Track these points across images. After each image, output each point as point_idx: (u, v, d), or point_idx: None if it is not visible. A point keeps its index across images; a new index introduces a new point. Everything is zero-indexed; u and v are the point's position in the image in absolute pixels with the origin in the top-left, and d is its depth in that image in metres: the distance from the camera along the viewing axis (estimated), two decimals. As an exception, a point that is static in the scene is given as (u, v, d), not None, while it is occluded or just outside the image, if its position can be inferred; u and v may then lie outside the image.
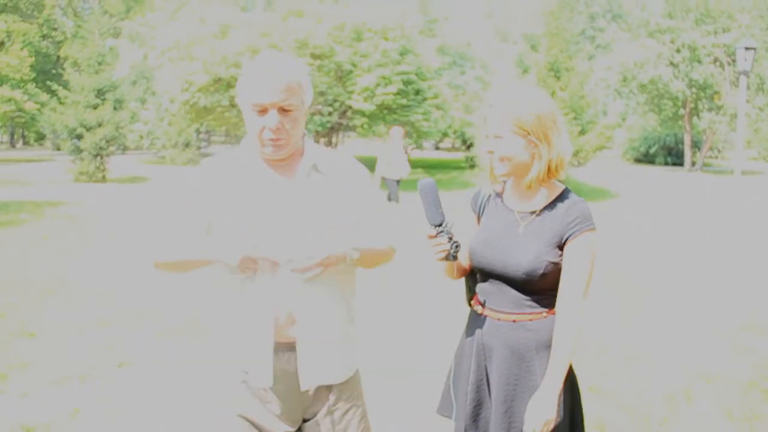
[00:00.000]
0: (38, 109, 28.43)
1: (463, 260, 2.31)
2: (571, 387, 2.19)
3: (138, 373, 4.74)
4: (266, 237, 2.09)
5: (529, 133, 2.06)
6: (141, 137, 32.67)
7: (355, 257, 2.14)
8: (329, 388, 2.26)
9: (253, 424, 2.24)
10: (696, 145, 29.79)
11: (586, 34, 33.36)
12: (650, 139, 32.62)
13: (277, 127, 2.04)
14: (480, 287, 2.28)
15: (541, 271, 2.08)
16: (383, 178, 12.36)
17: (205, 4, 22.57)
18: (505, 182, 2.25)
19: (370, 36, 19.95)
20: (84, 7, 40.05)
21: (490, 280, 2.21)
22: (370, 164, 10.37)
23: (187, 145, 30.88)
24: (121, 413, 4.09)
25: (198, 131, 33.77)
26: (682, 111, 27.63)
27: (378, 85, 19.54)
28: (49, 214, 13.18)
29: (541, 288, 2.13)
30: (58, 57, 33.13)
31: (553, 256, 2.09)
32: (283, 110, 2.05)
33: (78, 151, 20.76)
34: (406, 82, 19.90)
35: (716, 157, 35.57)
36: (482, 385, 2.25)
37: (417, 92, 20.79)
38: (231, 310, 2.21)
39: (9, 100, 29.19)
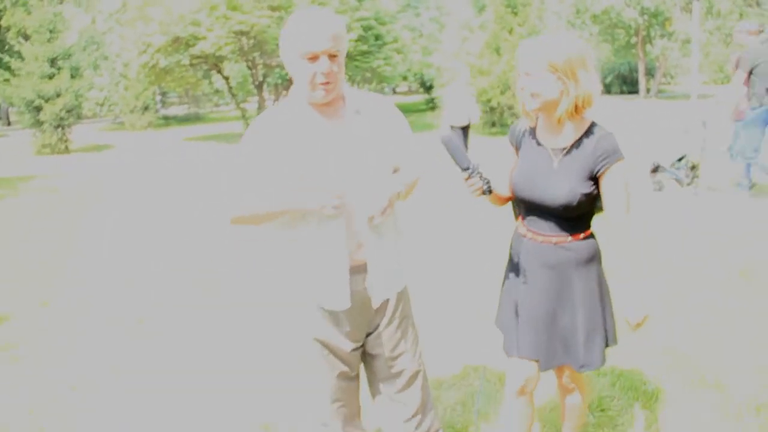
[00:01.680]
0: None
1: (503, 191, 2.62)
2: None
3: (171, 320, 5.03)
4: (334, 179, 2.35)
5: (557, 71, 2.29)
6: (98, 104, 31.97)
7: (403, 192, 2.50)
8: (387, 301, 2.60)
9: (326, 345, 2.57)
10: (650, 73, 30.34)
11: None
12: (605, 70, 33.09)
13: (329, 71, 2.29)
14: (524, 213, 2.61)
15: (576, 202, 2.38)
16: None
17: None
18: (537, 118, 2.53)
19: (327, -17, 19.78)
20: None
21: (532, 207, 2.53)
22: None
23: (146, 108, 30.27)
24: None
25: (154, 93, 33.12)
26: (634, 39, 28.03)
27: (338, 33, 19.45)
28: (25, 188, 13.11)
29: (577, 214, 2.45)
30: (0, 26, 31.82)
31: (585, 188, 2.38)
32: (331, 56, 2.29)
33: (38, 123, 20.37)
34: (366, 28, 19.85)
35: (669, 84, 36.33)
36: (522, 299, 2.59)
37: (377, 37, 20.76)
38: (306, 245, 2.46)
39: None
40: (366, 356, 2.71)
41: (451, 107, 2.41)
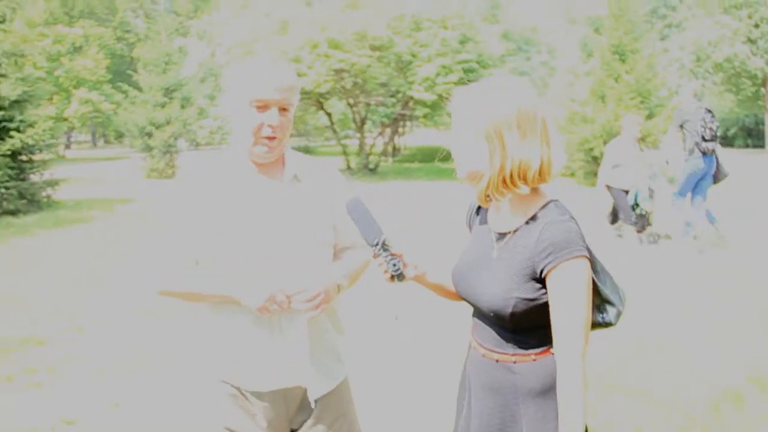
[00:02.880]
0: (113, 110, 29.54)
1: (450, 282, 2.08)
2: None
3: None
4: (266, 260, 2.09)
5: (482, 133, 1.76)
6: (212, 133, 33.48)
7: (345, 285, 2.20)
8: (308, 406, 2.25)
9: None
10: (778, 125, 28.30)
11: (658, 13, 32.08)
12: (728, 121, 31.18)
13: (277, 124, 2.04)
14: (472, 312, 2.05)
15: (510, 310, 1.77)
16: (608, 187, 9.36)
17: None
18: None
19: (429, 25, 19.75)
20: (153, 8, 41.20)
21: (473, 308, 1.99)
22: (432, 156, 10.56)
23: (256, 139, 31.40)
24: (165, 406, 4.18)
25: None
26: (762, 90, 26.26)
27: (438, 74, 19.34)
28: (120, 211, 13.62)
29: (523, 326, 1.82)
30: (132, 58, 34.20)
31: (525, 292, 1.76)
32: (282, 109, 2.06)
33: (148, 148, 21.45)
34: (467, 71, 19.57)
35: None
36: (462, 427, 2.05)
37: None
38: (228, 323, 2.19)
39: (86, 101, 30.48)
40: None
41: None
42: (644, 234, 9.23)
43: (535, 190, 1.82)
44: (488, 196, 1.81)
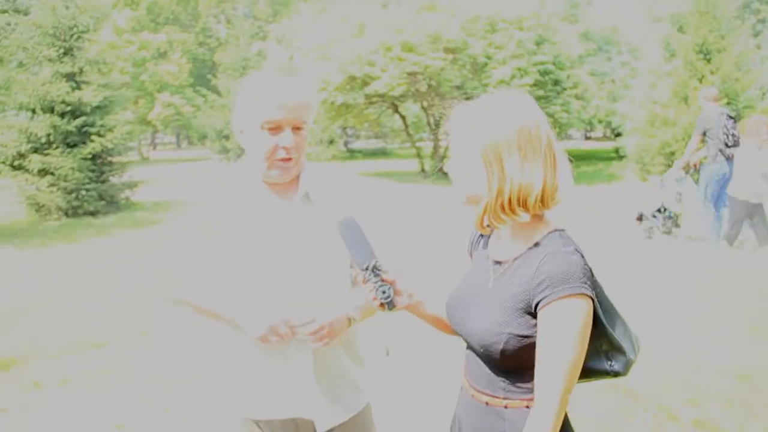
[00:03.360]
0: (194, 113, 30.44)
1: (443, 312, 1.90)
2: None
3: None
4: (273, 282, 2.00)
5: (480, 155, 1.59)
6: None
7: (356, 318, 2.07)
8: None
9: None
10: None
11: (751, 8, 30.52)
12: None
13: (292, 145, 1.95)
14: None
15: (501, 346, 1.59)
16: (730, 198, 8.44)
17: (349, 3, 22.94)
18: None
19: (504, 27, 19.39)
20: (234, 13, 42.20)
21: (467, 344, 1.79)
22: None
23: (330, 142, 31.84)
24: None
25: (343, 128, 34.70)
26: None
27: (513, 77, 18.95)
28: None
29: (516, 366, 1.64)
30: (213, 62, 35.13)
31: (518, 327, 1.59)
32: (296, 128, 1.96)
33: (225, 151, 21.94)
34: (543, 73, 19.13)
35: None
36: None
37: (555, 82, 19.93)
38: (235, 347, 2.11)
39: (169, 105, 31.53)
40: None
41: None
42: (670, 235, 9.38)
43: (538, 218, 1.65)
44: (485, 222, 1.65)
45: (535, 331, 1.57)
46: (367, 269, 1.74)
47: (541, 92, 19.29)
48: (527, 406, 1.63)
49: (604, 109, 23.88)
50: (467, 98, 1.73)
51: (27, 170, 13.79)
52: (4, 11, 15.17)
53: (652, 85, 18.79)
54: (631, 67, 25.76)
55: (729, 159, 8.34)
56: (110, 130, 14.49)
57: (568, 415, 1.68)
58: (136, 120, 27.96)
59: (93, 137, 14.10)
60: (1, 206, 14.93)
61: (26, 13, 14.83)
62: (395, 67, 18.59)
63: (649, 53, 21.49)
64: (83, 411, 4.31)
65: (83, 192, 13.75)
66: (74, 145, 14.06)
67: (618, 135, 25.10)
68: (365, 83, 19.98)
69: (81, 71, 14.45)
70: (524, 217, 1.59)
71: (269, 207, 2.05)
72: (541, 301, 1.54)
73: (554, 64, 19.49)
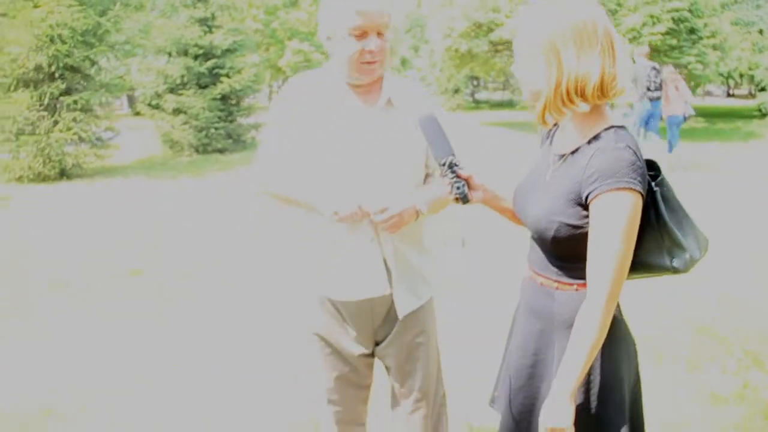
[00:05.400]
0: (323, 59, 30.83)
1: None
2: (605, 383, 1.78)
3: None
4: (354, 177, 2.18)
5: (539, 50, 1.68)
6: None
7: (424, 211, 2.21)
8: (393, 320, 2.35)
9: (327, 343, 2.40)
10: None
11: None
12: None
13: (377, 49, 2.11)
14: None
15: (552, 233, 1.71)
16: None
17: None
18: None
19: (638, -29, 18.37)
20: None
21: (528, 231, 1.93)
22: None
23: (456, 91, 31.70)
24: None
25: (470, 77, 34.32)
26: None
27: (645, 24, 17.93)
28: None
29: (567, 254, 1.75)
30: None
31: (568, 217, 1.69)
32: (379, 33, 2.12)
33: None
34: (678, 20, 17.98)
35: None
36: (509, 346, 2.06)
37: (691, 31, 18.66)
38: (321, 232, 2.29)
39: (299, 51, 32.19)
40: (384, 367, 2.49)
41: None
42: None
43: (599, 114, 1.73)
44: (546, 116, 1.74)
45: (586, 223, 1.67)
46: (444, 165, 1.90)
47: (674, 41, 18.19)
48: (576, 289, 1.76)
49: (747, 61, 22.11)
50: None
51: (163, 109, 14.86)
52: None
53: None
54: (784, 15, 23.66)
55: (651, 100, 11.40)
56: (239, 72, 15.26)
57: (624, 316, 1.83)
58: (265, 64, 28.79)
59: (222, 78, 14.91)
60: (140, 142, 16.21)
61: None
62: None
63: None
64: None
65: (212, 130, 14.65)
66: (205, 86, 14.95)
67: (762, 90, 23.30)
68: (490, 30, 19.66)
69: (213, 16, 15.25)
70: (583, 107, 1.67)
71: (352, 107, 2.21)
72: (590, 193, 1.63)
73: (690, 11, 18.26)
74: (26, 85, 11.92)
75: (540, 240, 1.79)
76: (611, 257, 1.61)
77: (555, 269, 1.80)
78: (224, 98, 15.16)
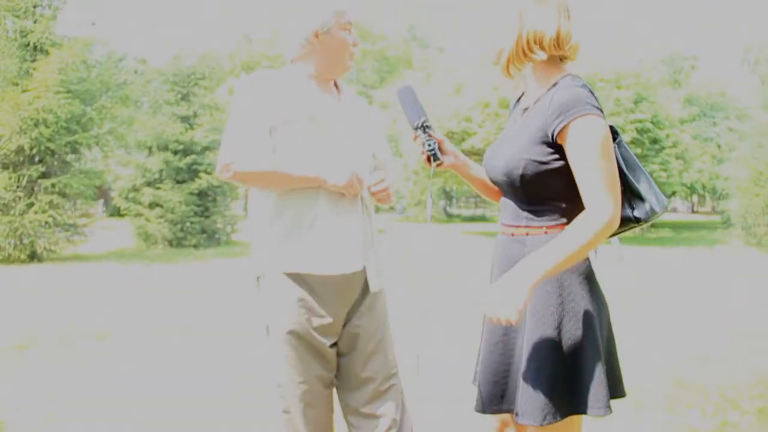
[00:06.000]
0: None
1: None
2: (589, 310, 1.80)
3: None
4: (341, 155, 2.30)
5: (504, 15, 1.88)
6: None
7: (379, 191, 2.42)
8: (364, 293, 2.39)
9: (302, 338, 2.33)
10: None
11: None
12: None
13: (356, 41, 2.40)
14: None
15: (520, 171, 1.79)
16: None
17: (454, 70, 23.45)
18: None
19: (602, 85, 19.42)
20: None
21: (498, 187, 2.00)
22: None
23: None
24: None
25: (443, 190, 35.13)
26: None
27: (610, 134, 18.81)
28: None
29: (535, 196, 1.84)
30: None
31: (535, 154, 1.78)
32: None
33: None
34: (641, 131, 18.92)
35: None
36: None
37: (654, 141, 19.62)
38: (303, 210, 2.30)
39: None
40: (338, 359, 2.43)
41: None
42: None
43: (557, 66, 1.87)
44: (510, 67, 1.87)
45: (552, 159, 1.78)
46: (418, 127, 2.01)
47: (638, 150, 19.03)
48: (546, 232, 1.83)
49: (708, 172, 23.07)
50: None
51: (139, 202, 14.95)
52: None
53: (758, 145, 18.19)
54: (739, 131, 24.98)
55: None
56: (216, 168, 15.49)
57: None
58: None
59: (201, 174, 15.14)
60: (113, 235, 16.14)
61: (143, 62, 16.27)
62: (492, 123, 18.95)
63: (757, 115, 20.83)
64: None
65: (188, 224, 14.71)
66: (183, 181, 15.16)
67: (720, 197, 24.12)
68: (463, 139, 20.37)
69: (195, 114, 15.71)
70: (541, 55, 1.82)
71: (323, 97, 2.36)
72: (556, 128, 1.75)
73: (653, 122, 19.24)
74: (5, 167, 12.06)
75: (510, 185, 1.86)
76: (599, 172, 1.69)
77: (525, 215, 1.86)
78: (201, 194, 15.34)
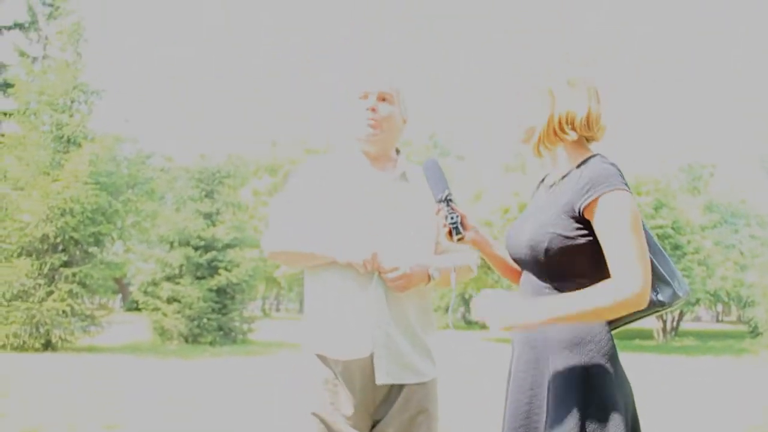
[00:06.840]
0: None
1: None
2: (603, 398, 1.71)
3: None
4: (370, 234, 2.27)
5: (536, 94, 1.91)
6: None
7: (436, 277, 2.29)
8: (400, 388, 2.29)
9: (324, 422, 2.27)
10: None
11: None
12: None
13: (374, 106, 2.35)
14: None
15: (545, 245, 1.76)
16: None
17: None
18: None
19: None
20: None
21: (519, 265, 1.97)
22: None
23: (447, 309, 31.88)
24: None
25: (462, 296, 34.73)
26: None
27: (631, 240, 18.73)
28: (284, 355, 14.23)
29: (558, 272, 1.80)
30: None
31: (561, 228, 1.76)
32: (381, 98, 2.37)
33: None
34: (662, 237, 18.83)
35: None
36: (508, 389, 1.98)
37: (675, 247, 19.48)
38: (329, 292, 2.31)
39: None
40: None
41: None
42: None
43: (587, 147, 1.90)
44: (540, 147, 1.90)
45: (578, 234, 1.75)
46: (441, 200, 2.01)
47: (660, 256, 18.84)
48: None
49: (732, 280, 22.67)
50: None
51: (157, 297, 14.93)
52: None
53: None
54: (761, 238, 24.77)
55: None
56: (237, 265, 15.57)
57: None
58: (260, 276, 29.33)
59: (221, 271, 15.18)
60: (130, 329, 16.03)
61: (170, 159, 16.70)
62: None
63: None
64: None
65: (205, 320, 14.62)
66: (202, 277, 15.19)
67: (746, 305, 23.56)
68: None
69: (218, 211, 15.94)
70: (572, 135, 1.84)
71: (369, 174, 2.39)
72: (584, 202, 1.73)
73: (673, 228, 19.17)
74: (29, 253, 12.18)
75: (533, 258, 1.82)
76: (629, 245, 1.66)
77: (546, 292, 1.82)
78: (220, 291, 15.32)
